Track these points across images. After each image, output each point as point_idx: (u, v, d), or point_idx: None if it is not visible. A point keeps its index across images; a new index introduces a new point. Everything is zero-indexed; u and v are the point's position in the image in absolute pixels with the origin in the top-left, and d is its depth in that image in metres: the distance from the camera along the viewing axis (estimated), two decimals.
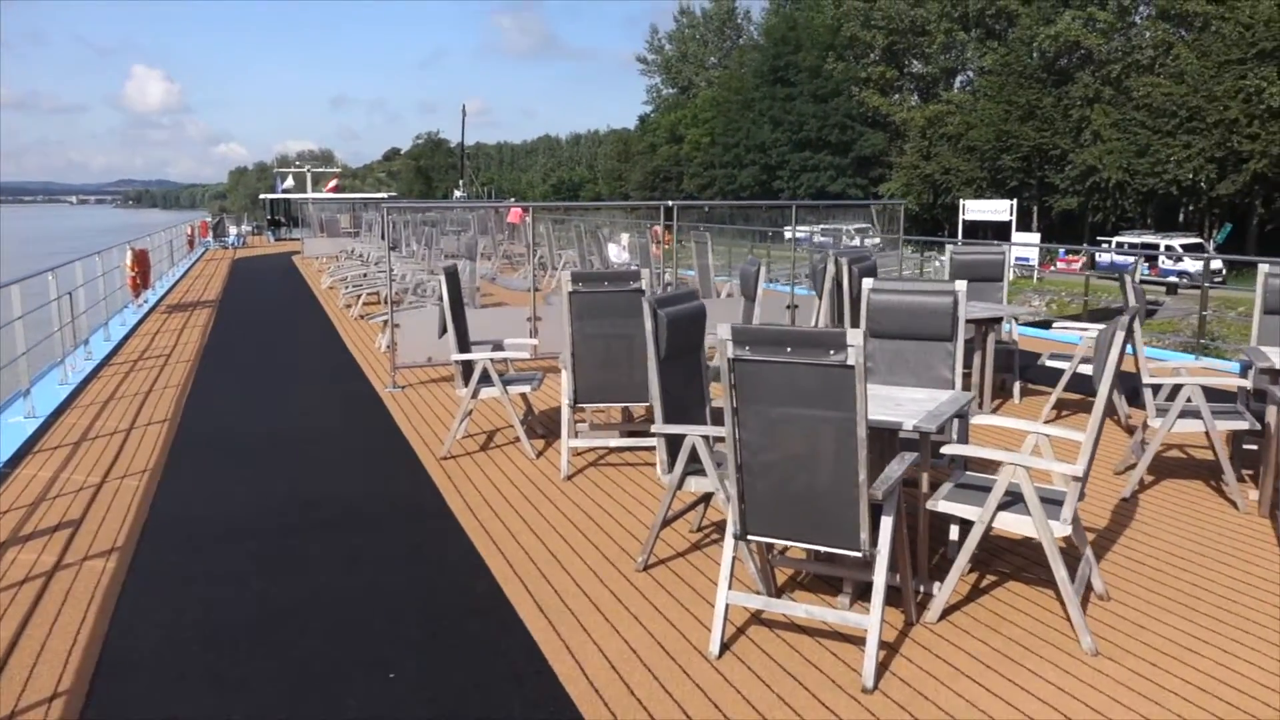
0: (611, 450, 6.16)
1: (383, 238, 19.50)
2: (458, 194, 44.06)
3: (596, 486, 5.57)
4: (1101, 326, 7.23)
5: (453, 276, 6.22)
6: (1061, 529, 3.53)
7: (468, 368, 6.23)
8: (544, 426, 6.88)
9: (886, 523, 3.31)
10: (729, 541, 3.53)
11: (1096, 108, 49.68)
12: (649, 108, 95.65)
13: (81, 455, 6.47)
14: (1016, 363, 7.59)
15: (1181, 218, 51.16)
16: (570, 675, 3.37)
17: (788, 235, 47.66)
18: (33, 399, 7.79)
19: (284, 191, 43.09)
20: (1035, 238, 48.81)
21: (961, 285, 4.63)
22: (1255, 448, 5.12)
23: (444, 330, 6.18)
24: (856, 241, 49.11)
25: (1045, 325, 11.69)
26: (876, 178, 66.49)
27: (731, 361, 3.30)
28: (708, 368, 4.64)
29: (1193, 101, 43.85)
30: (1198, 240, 43.80)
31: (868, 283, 4.81)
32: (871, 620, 3.27)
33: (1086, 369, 6.73)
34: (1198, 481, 5.57)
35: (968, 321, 5.84)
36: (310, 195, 41.87)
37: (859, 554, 3.29)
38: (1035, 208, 54.18)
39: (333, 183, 48.28)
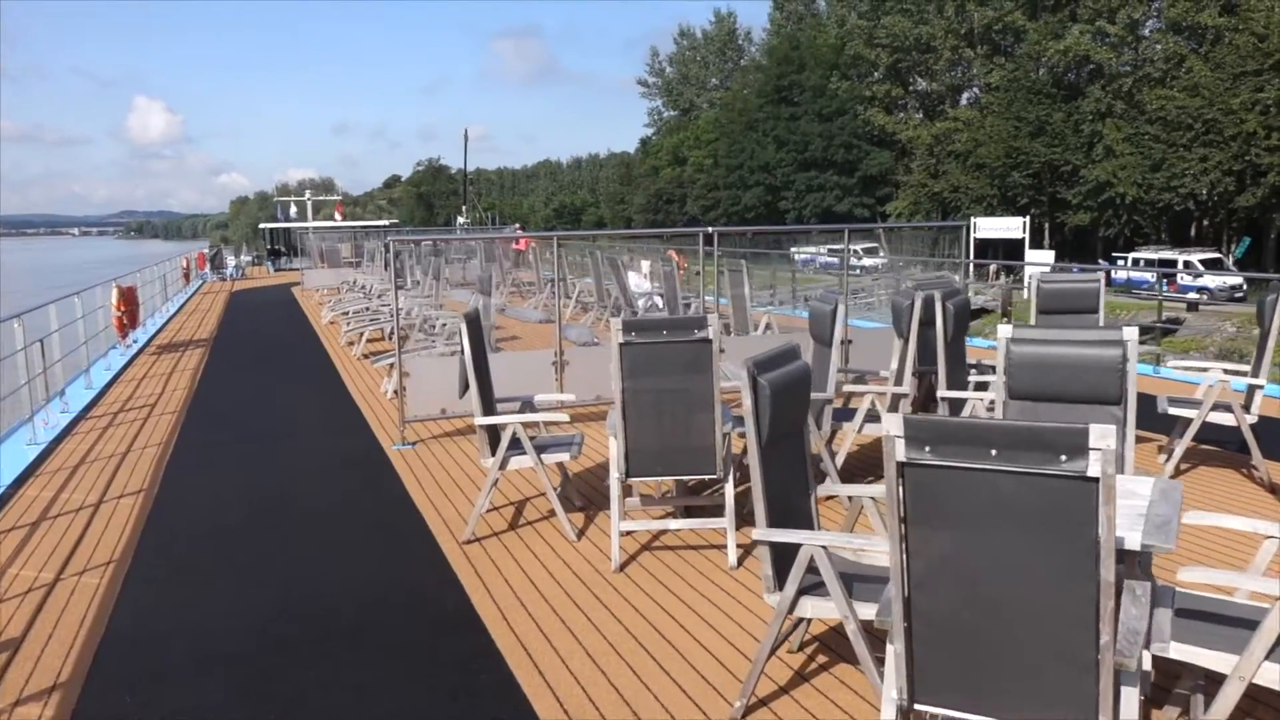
0: (669, 531, 5.14)
1: (386, 268, 18.54)
2: (461, 220, 43.26)
3: (657, 581, 4.54)
4: (1227, 366, 6.26)
5: (474, 324, 5.22)
6: None
7: (494, 433, 5.22)
8: (582, 495, 5.86)
9: (1130, 698, 2.29)
10: None
11: (1108, 122, 48.87)
12: (650, 130, 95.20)
13: (34, 545, 5.45)
14: None
15: (1194, 232, 50.26)
16: None
17: (796, 256, 46.84)
18: None
19: (287, 220, 42.27)
20: (1049, 255, 47.87)
21: (1132, 334, 3.63)
22: None
23: (465, 388, 5.18)
24: (865, 262, 48.30)
25: None
26: (883, 197, 65.72)
27: (902, 466, 2.29)
28: (810, 442, 3.63)
29: (1208, 114, 43.02)
30: (1217, 255, 42.88)
31: (1005, 330, 3.80)
32: None
33: (1220, 417, 5.72)
34: None
35: None
36: (311, 224, 41.03)
37: None
38: (1047, 224, 53.29)
39: (338, 210, 47.52)
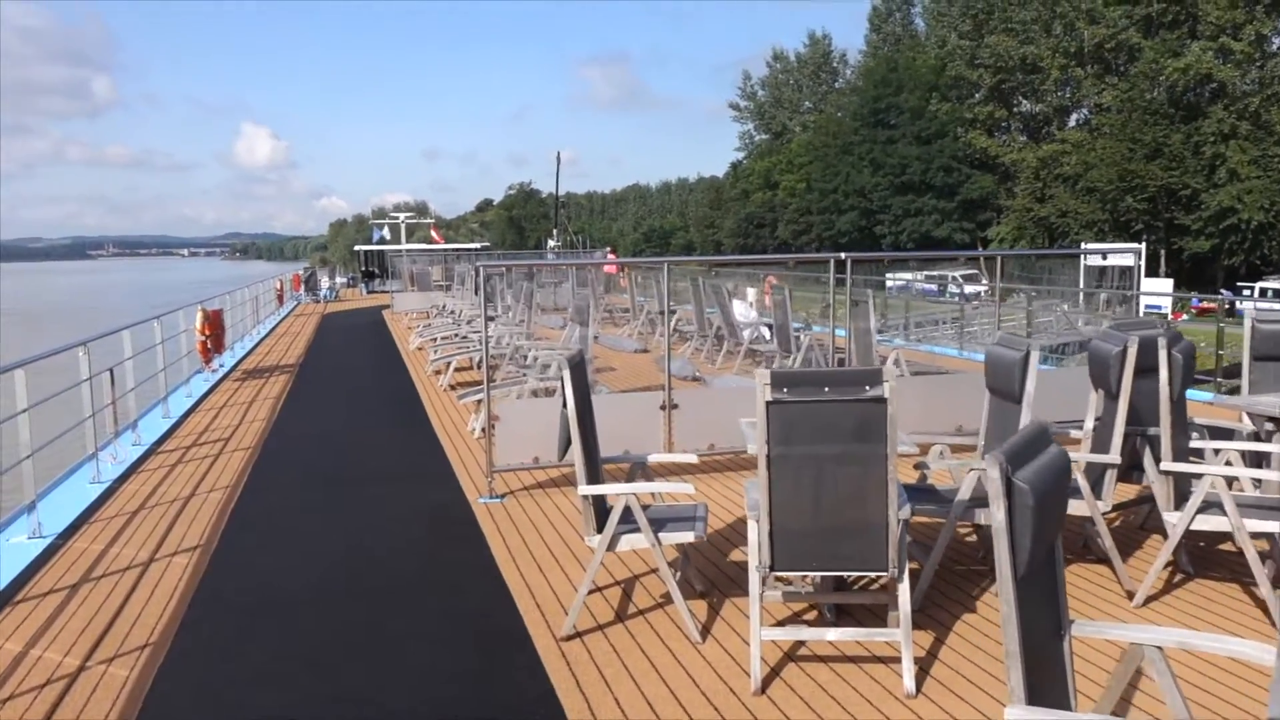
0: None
1: (476, 293, 17.93)
2: (551, 243, 42.94)
3: (811, 711, 3.51)
4: None
5: (578, 371, 4.29)
6: None
7: (600, 504, 4.28)
8: (703, 575, 4.86)
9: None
10: None
11: (1232, 144, 46.09)
12: (741, 154, 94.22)
13: (67, 618, 4.70)
14: None
15: None
16: None
17: (889, 283, 45.10)
18: (38, 515, 6.12)
19: (379, 242, 42.50)
20: (1167, 284, 45.20)
21: None
22: None
23: (566, 447, 4.25)
24: (967, 289, 46.25)
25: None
26: (984, 221, 63.46)
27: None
28: (1060, 562, 2.57)
29: None
30: None
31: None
32: None
33: None
34: None
35: None
36: (404, 246, 41.15)
37: None
38: (1163, 251, 50.46)
39: (434, 232, 47.66)
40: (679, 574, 4.55)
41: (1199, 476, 4.18)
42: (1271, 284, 40.56)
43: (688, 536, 4.19)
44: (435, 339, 14.91)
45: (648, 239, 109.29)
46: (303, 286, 32.25)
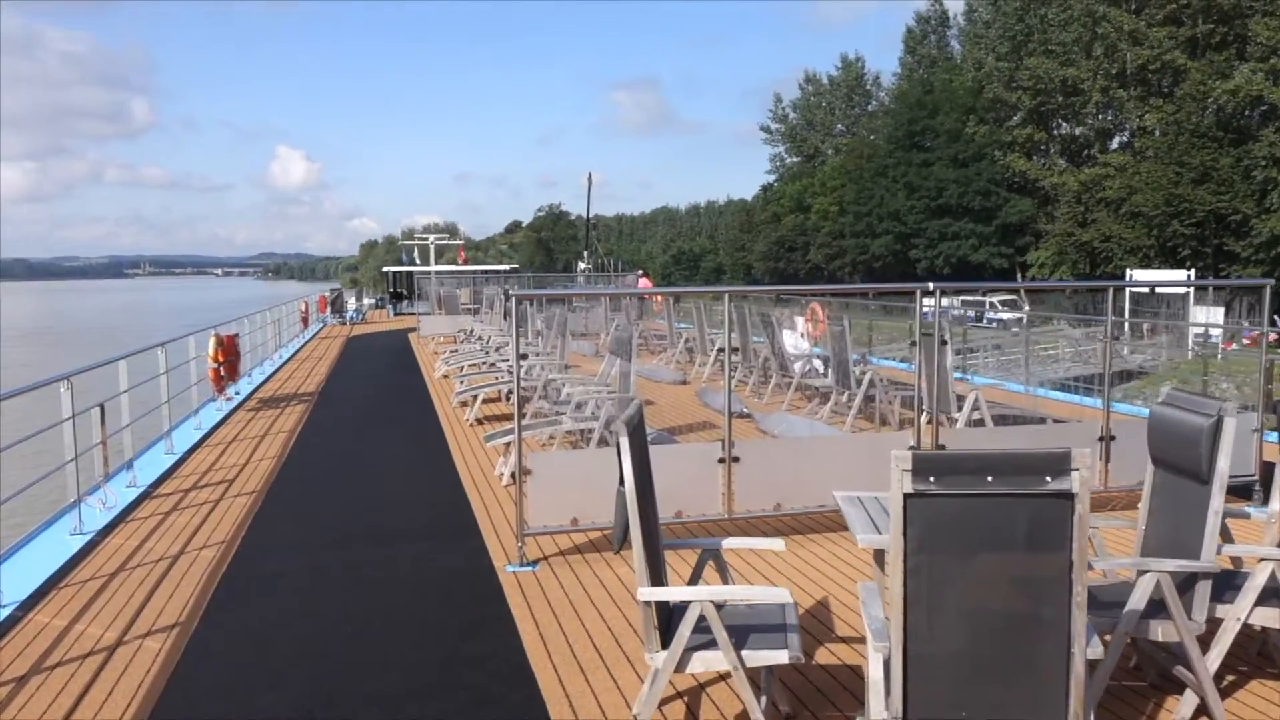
0: None
1: (505, 317, 17.07)
2: (582, 265, 42.16)
3: None
4: None
5: (638, 436, 3.36)
6: None
7: (665, 611, 3.33)
8: (791, 697, 3.89)
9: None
10: None
11: None
12: (772, 177, 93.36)
13: (27, 697, 3.81)
14: None
15: None
16: None
17: (928, 306, 43.94)
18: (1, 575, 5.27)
19: (411, 264, 41.92)
20: (1218, 313, 43.66)
21: None
22: None
23: (625, 533, 3.31)
24: (1004, 315, 44.92)
25: None
26: (1023, 246, 62.05)
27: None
28: None
29: None
30: None
31: None
32: None
33: None
34: None
35: None
36: (433, 267, 40.54)
37: None
38: (1212, 279, 48.87)
39: (462, 254, 47.06)
40: (764, 699, 3.57)
41: None
42: None
43: (780, 657, 3.23)
44: (461, 367, 14.06)
45: (677, 261, 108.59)
46: (329, 308, 31.63)
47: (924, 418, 8.64)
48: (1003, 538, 2.59)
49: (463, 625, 4.77)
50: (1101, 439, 6.43)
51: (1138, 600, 3.32)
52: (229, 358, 12.54)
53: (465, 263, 45.86)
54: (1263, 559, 3.49)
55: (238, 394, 13.54)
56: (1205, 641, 3.46)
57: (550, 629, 4.66)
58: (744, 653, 3.22)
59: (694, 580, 3.73)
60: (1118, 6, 53.80)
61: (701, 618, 3.20)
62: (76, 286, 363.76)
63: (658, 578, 3.33)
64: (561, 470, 5.68)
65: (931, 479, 2.58)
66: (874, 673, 2.79)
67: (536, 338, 14.87)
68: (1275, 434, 8.18)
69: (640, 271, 39.61)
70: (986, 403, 8.17)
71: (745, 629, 3.36)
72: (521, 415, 5.80)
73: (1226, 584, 3.59)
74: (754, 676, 3.52)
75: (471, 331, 18.56)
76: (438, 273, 38.67)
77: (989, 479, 2.55)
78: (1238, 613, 3.45)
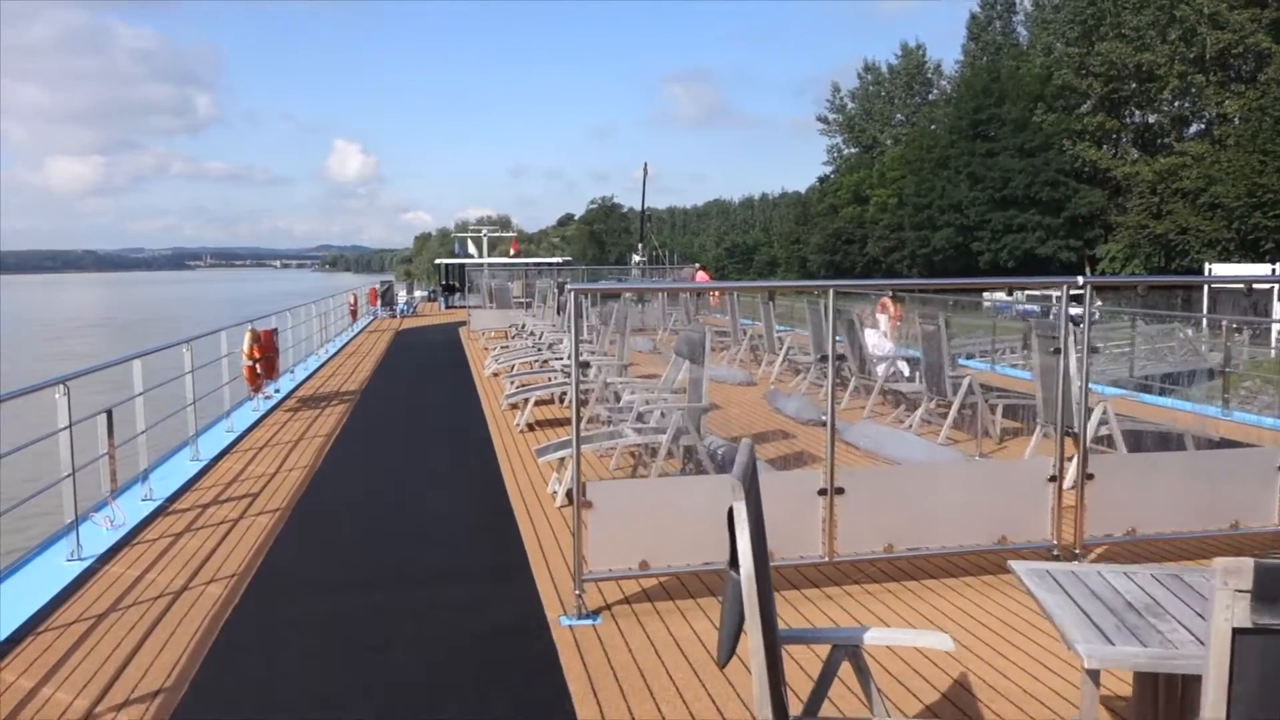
0: None
1: (559, 312, 16.16)
2: (636, 258, 41.22)
3: None
4: None
5: (754, 501, 2.35)
6: None
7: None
8: None
9: None
10: None
11: None
12: (828, 168, 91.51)
13: None
14: None
15: None
16: None
17: (987, 303, 42.16)
18: None
19: (464, 256, 41.30)
20: None
21: None
22: None
23: (735, 644, 2.31)
24: (1074, 310, 42.89)
25: None
26: (1093, 239, 59.76)
27: None
28: None
29: None
30: None
31: None
32: None
33: None
34: None
35: None
36: (485, 260, 39.87)
37: None
38: None
39: (515, 246, 46.33)
40: None
41: None
42: None
43: None
44: (512, 366, 13.18)
45: (730, 254, 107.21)
46: (379, 301, 31.05)
47: (1040, 432, 7.52)
48: None
49: (508, 702, 3.82)
50: None
51: None
52: (266, 354, 11.77)
53: (519, 254, 45.13)
54: None
55: (277, 392, 12.80)
56: None
57: (615, 710, 3.69)
58: None
59: (821, 689, 2.72)
60: None
61: None
62: (141, 278, 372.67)
63: (779, 700, 2.33)
64: (627, 502, 4.69)
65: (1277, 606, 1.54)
66: None
67: (591, 333, 13.94)
68: None
69: (697, 265, 38.52)
70: (1117, 416, 7.03)
71: None
72: (579, 411, 4.81)
73: None
74: None
75: (523, 326, 17.69)
76: (490, 265, 38.00)
77: None
78: None
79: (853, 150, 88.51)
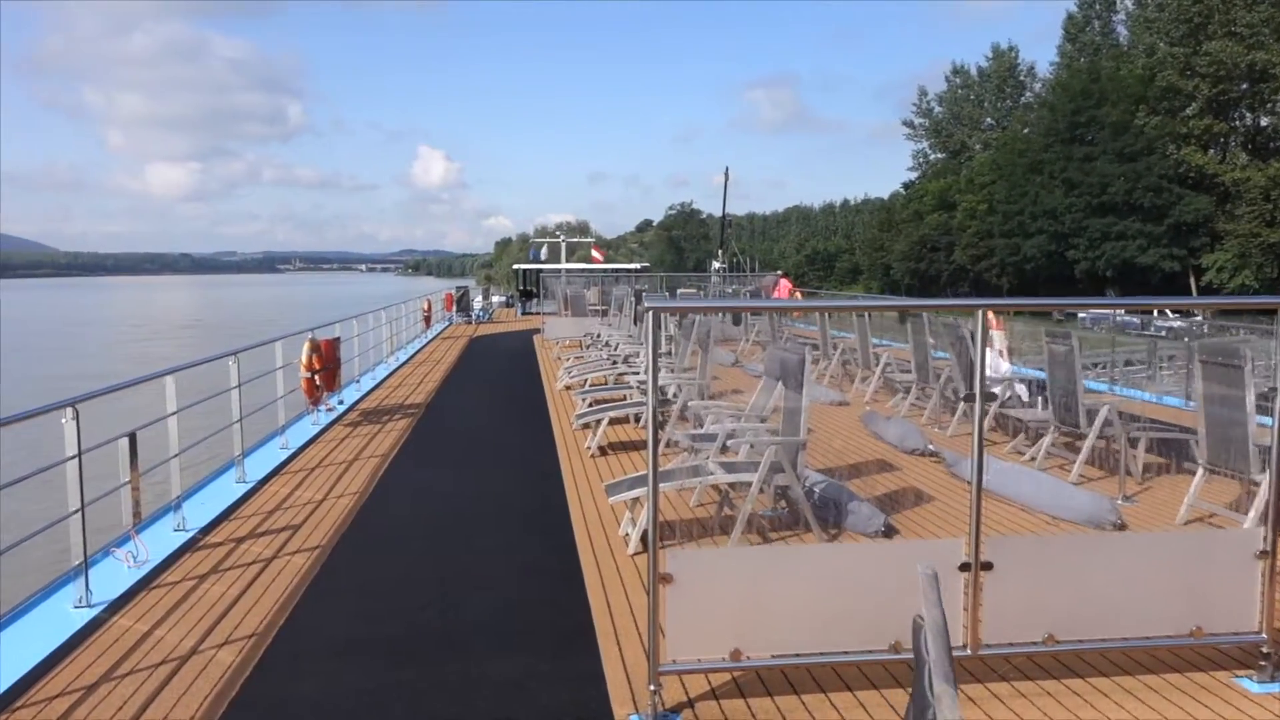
0: None
1: (636, 323, 15.26)
2: (716, 264, 40.17)
3: None
4: None
5: (941, 635, 1.40)
6: None
7: None
8: None
9: None
10: None
11: None
12: (914, 174, 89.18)
13: None
14: None
15: None
16: None
17: (1082, 314, 39.91)
18: None
19: (540, 261, 40.80)
20: None
21: None
22: None
23: None
24: (1175, 323, 40.44)
25: None
26: (1197, 248, 56.71)
27: None
28: None
29: None
30: None
31: None
32: None
33: None
34: None
35: None
36: (563, 265, 39.30)
37: None
38: None
39: (596, 251, 45.59)
40: None
41: None
42: None
43: None
44: (585, 380, 12.35)
45: (810, 261, 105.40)
46: (454, 306, 30.62)
47: (1201, 475, 6.34)
48: None
49: None
50: None
51: None
52: (327, 365, 11.14)
53: (601, 259, 44.39)
54: None
55: (340, 404, 12.18)
56: None
57: None
58: None
59: None
60: None
61: None
62: (232, 280, 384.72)
63: None
64: (716, 576, 3.74)
65: None
66: None
67: (670, 344, 13.02)
68: None
69: (779, 273, 37.34)
70: None
71: None
72: (658, 462, 3.86)
73: None
74: None
75: (599, 336, 16.88)
76: (567, 271, 37.40)
77: None
78: None
79: (939, 155, 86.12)
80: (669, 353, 12.64)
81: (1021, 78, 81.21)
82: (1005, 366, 9.39)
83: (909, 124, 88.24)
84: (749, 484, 5.84)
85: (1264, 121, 56.42)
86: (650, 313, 3.77)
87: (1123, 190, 56.81)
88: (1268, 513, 4.03)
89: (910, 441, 8.76)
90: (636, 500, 5.92)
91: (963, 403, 8.63)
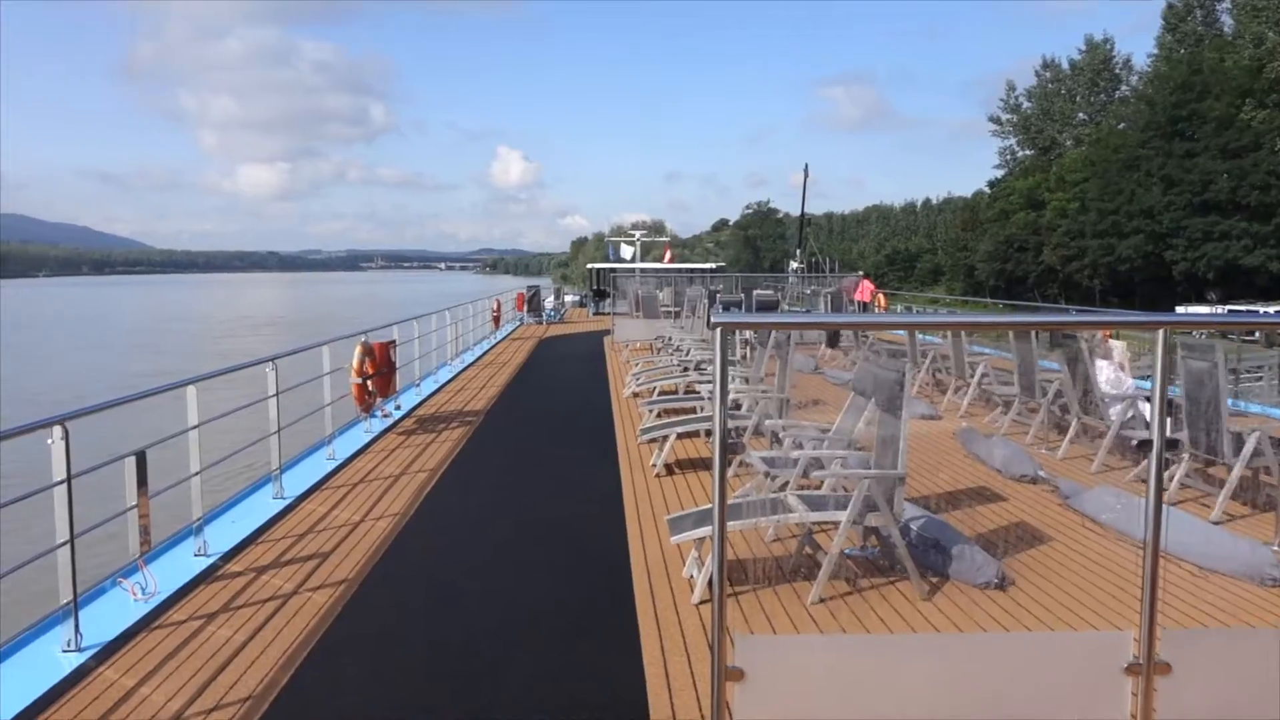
0: None
1: (710, 326, 14.46)
2: (794, 265, 39.02)
3: None
4: None
5: None
6: None
7: None
8: None
9: None
10: None
11: None
12: (1000, 171, 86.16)
13: None
14: None
15: None
16: None
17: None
18: None
19: (617, 260, 40.16)
20: None
21: None
22: None
23: None
24: None
25: None
26: None
27: None
28: None
29: None
30: None
31: None
32: None
33: None
34: None
35: None
36: (637, 264, 38.59)
37: None
38: None
39: (667, 254, 44.80)
40: None
41: None
42: None
43: None
44: (654, 388, 11.56)
45: (890, 261, 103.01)
46: (525, 306, 30.12)
47: None
48: None
49: None
50: None
51: None
52: (380, 369, 10.55)
53: (672, 261, 43.62)
54: None
55: (398, 409, 11.61)
56: None
57: None
58: None
59: None
60: None
61: None
62: (317, 278, 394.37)
63: None
64: (800, 672, 2.90)
65: None
66: None
67: (744, 348, 12.14)
68: None
69: (860, 273, 36.01)
70: None
71: None
72: (724, 518, 3.03)
73: None
74: None
75: (670, 339, 16.08)
76: (641, 270, 36.67)
77: None
78: None
79: (1028, 152, 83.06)
80: (743, 357, 11.76)
81: (1117, 70, 77.77)
82: (1128, 382, 8.30)
83: (995, 120, 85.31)
84: (835, 522, 4.97)
85: None
86: (719, 330, 2.91)
87: (1227, 188, 53.77)
88: None
89: (1017, 466, 7.75)
90: (705, 541, 5.09)
91: (1138, 449, 7.54)
